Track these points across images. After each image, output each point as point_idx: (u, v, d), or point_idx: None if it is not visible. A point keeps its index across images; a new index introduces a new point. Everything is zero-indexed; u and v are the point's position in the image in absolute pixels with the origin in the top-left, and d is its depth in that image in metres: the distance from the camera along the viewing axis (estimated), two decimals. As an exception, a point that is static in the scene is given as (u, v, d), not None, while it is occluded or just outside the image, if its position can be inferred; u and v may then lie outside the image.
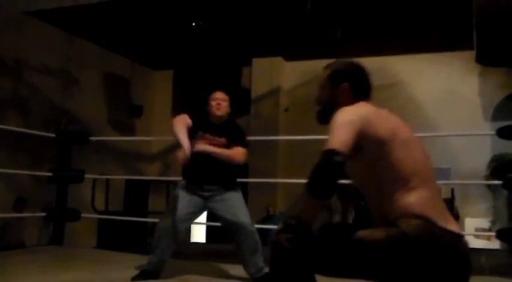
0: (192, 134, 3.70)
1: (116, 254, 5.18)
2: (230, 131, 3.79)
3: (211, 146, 3.64)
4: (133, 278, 3.68)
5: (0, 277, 3.70)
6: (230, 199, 3.73)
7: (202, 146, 3.63)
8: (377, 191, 1.89)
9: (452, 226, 1.83)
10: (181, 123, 3.70)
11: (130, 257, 4.91)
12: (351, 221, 8.72)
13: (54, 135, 5.74)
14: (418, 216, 1.77)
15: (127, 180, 9.16)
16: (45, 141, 6.56)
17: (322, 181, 1.77)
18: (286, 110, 10.13)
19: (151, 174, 10.49)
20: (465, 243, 1.85)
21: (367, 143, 1.84)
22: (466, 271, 1.82)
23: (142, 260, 4.78)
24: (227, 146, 3.71)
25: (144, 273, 3.74)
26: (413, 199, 1.80)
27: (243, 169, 4.27)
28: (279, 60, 10.21)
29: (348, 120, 1.85)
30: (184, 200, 3.74)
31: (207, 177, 3.70)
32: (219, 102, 3.78)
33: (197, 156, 3.60)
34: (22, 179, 7.44)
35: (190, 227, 8.41)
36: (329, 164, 1.76)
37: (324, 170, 1.76)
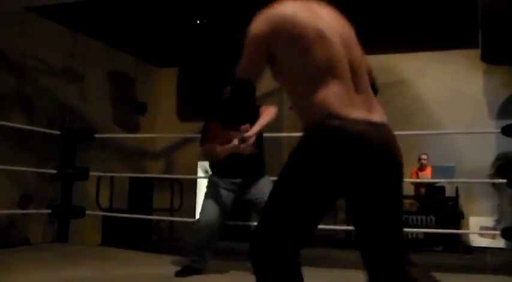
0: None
1: (121, 251, 5.20)
2: (250, 114, 3.69)
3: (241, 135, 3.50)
4: (177, 274, 3.71)
5: (5, 274, 3.71)
6: (263, 185, 3.76)
7: (242, 137, 3.47)
8: (297, 94, 1.86)
9: (371, 116, 1.76)
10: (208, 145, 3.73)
11: (134, 255, 4.93)
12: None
13: (59, 132, 5.77)
14: (326, 115, 1.72)
15: (131, 178, 9.17)
16: (50, 138, 6.57)
17: (234, 113, 1.89)
18: (291, 107, 10.12)
19: (156, 171, 10.50)
20: (385, 132, 1.78)
21: (281, 44, 1.81)
22: (388, 161, 1.74)
23: (146, 257, 4.80)
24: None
25: (187, 268, 3.77)
26: (323, 97, 1.74)
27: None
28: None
29: (259, 31, 1.84)
30: (219, 196, 3.77)
31: (238, 171, 3.72)
32: None
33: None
34: (27, 176, 7.46)
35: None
36: (239, 96, 1.85)
37: (235, 102, 1.86)
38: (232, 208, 3.84)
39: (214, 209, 3.74)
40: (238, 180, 3.75)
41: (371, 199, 1.75)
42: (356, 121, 1.70)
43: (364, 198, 1.76)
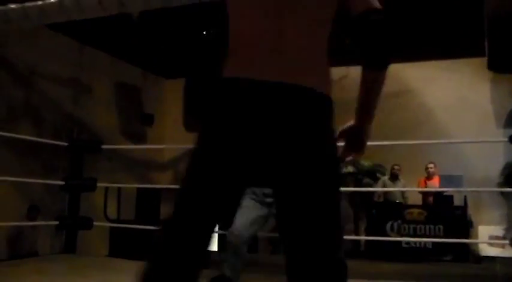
0: None
1: (128, 262, 5.19)
2: None
3: None
4: (213, 279, 3.66)
5: (14, 285, 3.71)
6: None
7: None
8: None
9: (279, 75, 1.46)
10: None
11: (142, 266, 4.92)
12: (362, 229, 8.70)
13: (66, 143, 5.79)
14: (225, 89, 1.54)
15: (138, 189, 9.18)
16: (57, 150, 6.60)
17: None
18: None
19: (163, 182, 10.50)
20: (285, 95, 1.44)
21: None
22: (279, 133, 1.43)
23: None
24: None
25: (222, 277, 3.71)
26: (231, 68, 1.57)
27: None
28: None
29: None
30: (247, 208, 3.69)
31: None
32: None
33: None
34: (35, 188, 7.48)
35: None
36: None
37: None
38: (262, 219, 3.72)
39: (239, 221, 3.64)
40: (266, 192, 3.64)
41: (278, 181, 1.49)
42: (247, 84, 1.49)
43: (272, 182, 1.51)
